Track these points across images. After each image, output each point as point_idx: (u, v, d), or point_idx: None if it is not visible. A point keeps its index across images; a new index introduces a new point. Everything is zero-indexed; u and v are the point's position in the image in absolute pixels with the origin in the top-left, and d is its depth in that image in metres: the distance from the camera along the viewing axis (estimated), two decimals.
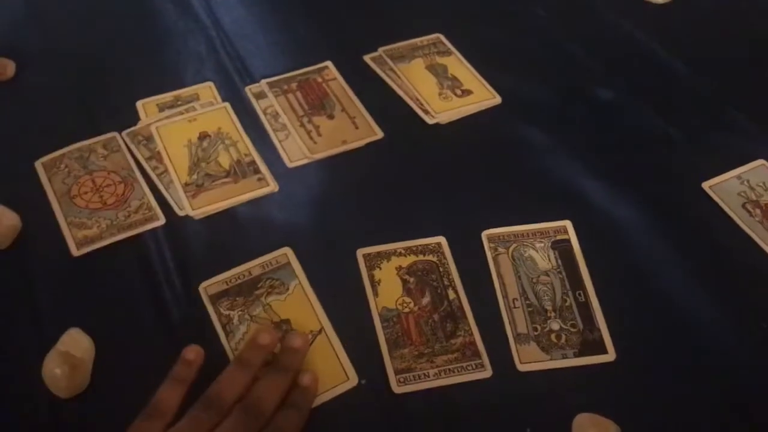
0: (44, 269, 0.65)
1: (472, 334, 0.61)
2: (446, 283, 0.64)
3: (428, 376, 0.58)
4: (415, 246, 0.66)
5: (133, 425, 0.51)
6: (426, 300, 0.63)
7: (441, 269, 0.65)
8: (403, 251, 0.66)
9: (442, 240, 0.67)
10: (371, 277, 0.64)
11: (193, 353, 0.56)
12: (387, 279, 0.64)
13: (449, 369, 0.59)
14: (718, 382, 0.59)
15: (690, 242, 0.68)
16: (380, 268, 0.64)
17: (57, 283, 0.64)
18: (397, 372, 0.58)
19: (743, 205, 0.70)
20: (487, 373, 0.59)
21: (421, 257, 0.65)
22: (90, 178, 0.71)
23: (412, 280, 0.64)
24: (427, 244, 0.66)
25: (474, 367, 0.59)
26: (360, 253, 0.66)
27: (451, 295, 0.63)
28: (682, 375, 0.59)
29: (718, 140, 0.77)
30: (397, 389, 0.57)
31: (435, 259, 0.65)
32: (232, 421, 0.51)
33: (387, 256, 0.65)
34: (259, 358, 0.56)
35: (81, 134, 0.75)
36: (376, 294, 0.63)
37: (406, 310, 0.62)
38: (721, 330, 0.62)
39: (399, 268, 0.65)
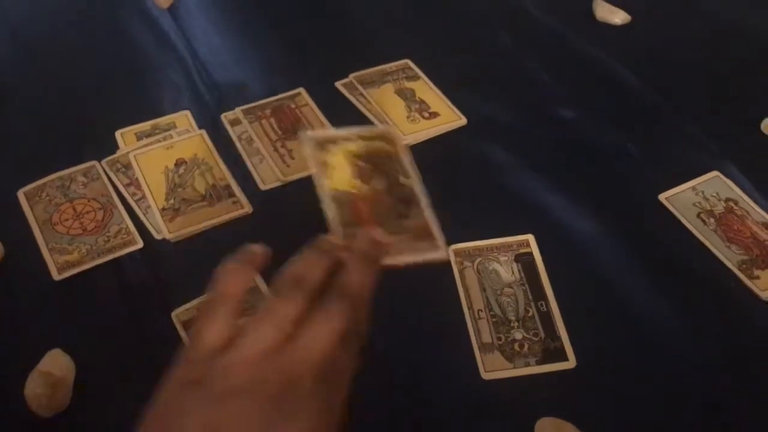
0: (27, 294, 0.68)
1: (424, 218, 0.56)
2: (398, 169, 0.59)
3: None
4: (366, 133, 0.61)
5: (198, 312, 0.44)
6: (378, 183, 0.57)
7: (393, 157, 0.60)
8: (354, 137, 0.60)
9: (392, 129, 0.63)
10: (320, 159, 0.57)
11: (259, 248, 0.48)
12: (338, 162, 0.58)
13: (403, 249, 0.53)
14: (676, 388, 0.62)
15: (648, 252, 0.71)
16: (330, 152, 0.58)
17: (39, 306, 0.67)
18: None
19: (698, 215, 0.73)
20: (441, 253, 0.54)
21: (372, 144, 0.60)
22: (71, 206, 0.74)
23: (364, 164, 0.58)
24: (379, 132, 0.61)
25: (428, 247, 0.54)
26: (308, 135, 0.59)
27: (403, 180, 0.58)
28: (641, 380, 0.62)
29: (674, 154, 0.81)
30: None
31: (387, 146, 0.60)
32: (331, 314, 0.42)
33: (337, 141, 0.59)
34: (335, 253, 0.47)
35: (62, 164, 0.78)
36: (326, 176, 0.57)
37: (360, 191, 0.56)
38: (678, 336, 0.65)
39: (350, 153, 0.59)
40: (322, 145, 0.59)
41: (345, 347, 0.42)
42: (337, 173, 0.57)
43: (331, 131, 0.62)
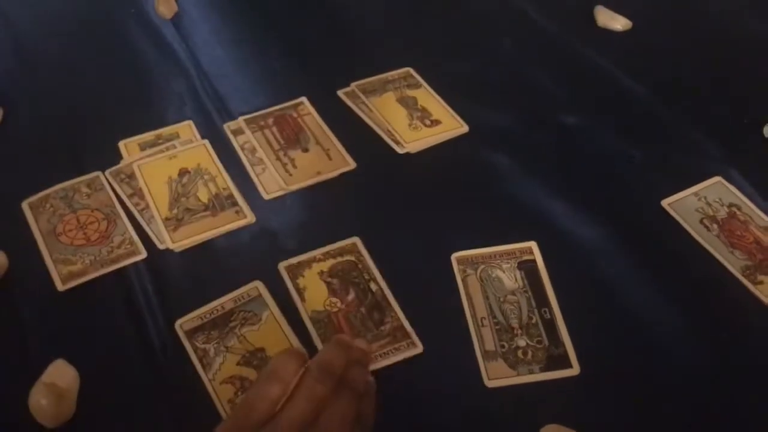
0: (31, 304, 0.68)
1: (398, 319, 0.65)
2: (367, 277, 0.68)
3: None
4: (332, 250, 0.71)
5: (253, 387, 0.51)
6: (351, 296, 0.67)
7: (360, 266, 0.69)
8: (321, 257, 0.70)
9: (356, 240, 0.71)
10: (296, 286, 0.68)
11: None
12: (311, 285, 0.68)
13: (384, 353, 0.63)
14: (681, 394, 0.61)
15: (651, 258, 0.71)
16: (303, 276, 0.69)
17: (43, 317, 0.67)
18: None
19: (701, 221, 0.73)
20: (418, 349, 0.63)
21: (339, 259, 0.70)
22: (74, 216, 0.74)
23: (334, 281, 0.68)
24: (343, 246, 0.71)
25: (406, 346, 0.63)
26: (281, 265, 0.70)
27: (374, 287, 0.68)
28: (645, 387, 0.62)
29: (676, 159, 0.81)
30: None
31: (353, 258, 0.70)
32: (346, 400, 0.50)
33: (308, 264, 0.70)
34: (350, 348, 0.55)
35: (66, 174, 0.78)
36: (303, 300, 0.67)
37: (335, 309, 0.66)
38: (682, 342, 0.65)
39: (321, 273, 0.69)
40: (296, 270, 0.69)
41: (355, 429, 0.51)
42: (312, 295, 0.67)
43: (301, 256, 0.70)
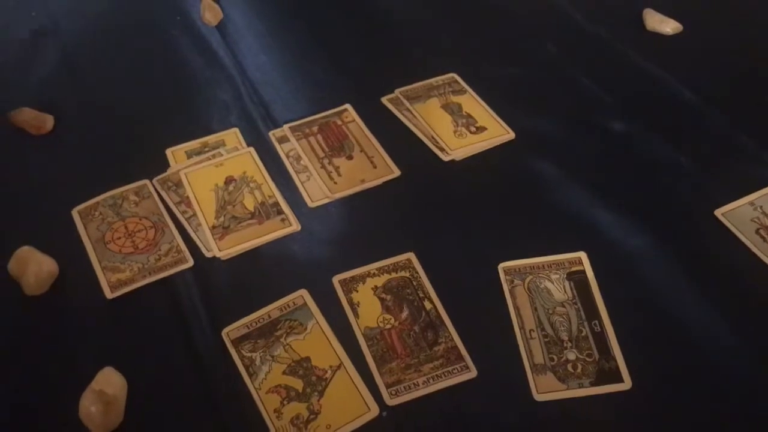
0: (80, 312, 0.69)
1: (452, 340, 0.64)
2: (421, 295, 0.67)
3: (417, 385, 0.61)
4: (386, 265, 0.70)
5: None
6: (405, 314, 0.66)
7: (414, 283, 0.68)
8: (376, 271, 0.69)
9: (411, 256, 0.70)
10: (350, 300, 0.67)
11: None
12: (365, 300, 0.67)
13: (436, 375, 0.62)
14: (735, 410, 0.60)
15: (704, 270, 0.69)
16: (357, 291, 0.68)
17: (92, 324, 0.68)
18: (387, 385, 0.61)
19: (757, 231, 0.71)
20: (472, 374, 0.62)
21: (393, 275, 0.69)
22: (123, 224, 0.75)
23: (388, 297, 0.67)
24: (397, 262, 0.70)
25: (459, 369, 0.62)
26: (336, 279, 0.69)
27: (428, 305, 0.66)
28: (699, 402, 0.60)
29: (729, 167, 0.78)
30: (390, 401, 0.60)
31: (407, 274, 0.69)
32: None
33: (362, 278, 0.69)
34: None
35: (114, 182, 0.79)
36: (356, 315, 0.66)
37: (388, 326, 0.65)
38: (736, 356, 0.63)
39: (375, 288, 0.68)
40: (350, 285, 0.68)
41: None
42: (365, 311, 0.66)
43: (355, 270, 0.69)
